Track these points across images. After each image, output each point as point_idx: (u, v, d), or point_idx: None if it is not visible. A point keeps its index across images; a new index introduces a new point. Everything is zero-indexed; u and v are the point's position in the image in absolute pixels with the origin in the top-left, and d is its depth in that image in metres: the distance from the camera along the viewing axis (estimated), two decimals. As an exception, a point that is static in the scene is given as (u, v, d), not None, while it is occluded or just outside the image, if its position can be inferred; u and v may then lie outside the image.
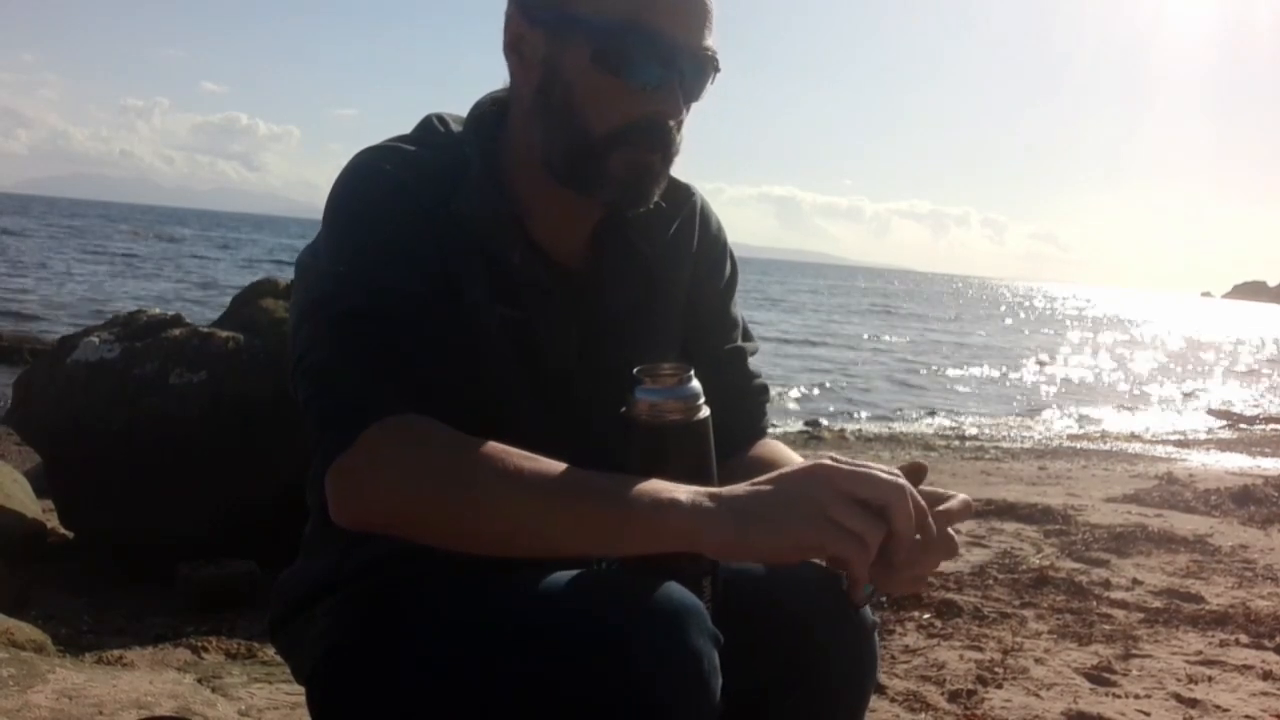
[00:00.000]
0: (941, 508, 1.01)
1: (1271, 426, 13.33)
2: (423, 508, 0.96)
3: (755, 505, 0.91)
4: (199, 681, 2.36)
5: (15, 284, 20.90)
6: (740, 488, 0.94)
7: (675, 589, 0.93)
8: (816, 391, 15.01)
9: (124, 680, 2.19)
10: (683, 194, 1.26)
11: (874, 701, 2.37)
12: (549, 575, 0.98)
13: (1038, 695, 2.58)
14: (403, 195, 1.09)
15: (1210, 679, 2.76)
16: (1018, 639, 2.98)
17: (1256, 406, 16.75)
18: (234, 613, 3.31)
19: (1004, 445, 10.22)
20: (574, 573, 0.99)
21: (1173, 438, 11.66)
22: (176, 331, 3.95)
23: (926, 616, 3.17)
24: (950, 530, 1.01)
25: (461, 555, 0.97)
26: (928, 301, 66.15)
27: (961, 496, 1.03)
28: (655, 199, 1.16)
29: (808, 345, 23.28)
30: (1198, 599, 3.53)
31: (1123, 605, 3.42)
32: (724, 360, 1.30)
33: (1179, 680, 2.74)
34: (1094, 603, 3.43)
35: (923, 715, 2.44)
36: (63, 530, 4.10)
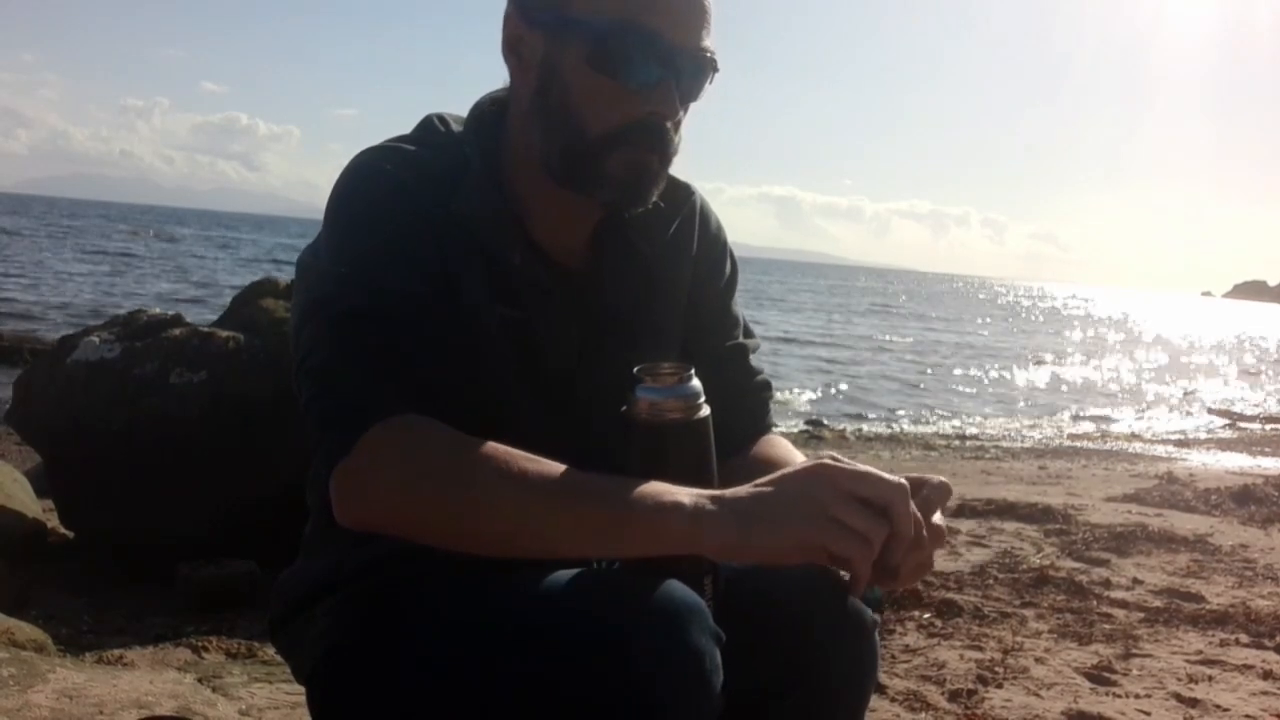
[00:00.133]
0: (922, 493, 1.00)
1: (1272, 426, 13.34)
2: (424, 508, 0.97)
3: (757, 506, 0.91)
4: (199, 681, 2.36)
5: (15, 284, 20.91)
6: (742, 489, 0.94)
7: (676, 588, 0.93)
8: (817, 391, 15.00)
9: (124, 680, 2.19)
10: (682, 193, 1.26)
11: (874, 701, 2.37)
12: (549, 575, 0.98)
13: (1038, 695, 2.58)
14: (403, 196, 1.09)
15: (1210, 678, 2.76)
16: (1018, 638, 2.98)
17: (1257, 406, 16.75)
18: (234, 613, 3.31)
19: (1004, 445, 10.23)
20: (574, 572, 0.99)
21: (1173, 437, 11.66)
22: (176, 331, 3.95)
23: (927, 616, 3.17)
24: (936, 518, 1.00)
25: (462, 555, 0.98)
26: (928, 301, 66.16)
27: (938, 479, 1.02)
28: (654, 199, 1.16)
29: (808, 345, 23.28)
30: (1198, 598, 3.53)
31: (1123, 605, 3.42)
32: (725, 357, 1.30)
33: (1179, 680, 2.74)
34: (1094, 602, 3.43)
35: (923, 715, 2.44)
36: (63, 530, 4.10)
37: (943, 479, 1.02)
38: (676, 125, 1.12)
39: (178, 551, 3.57)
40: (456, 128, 1.18)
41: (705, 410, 1.01)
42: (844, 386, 16.13)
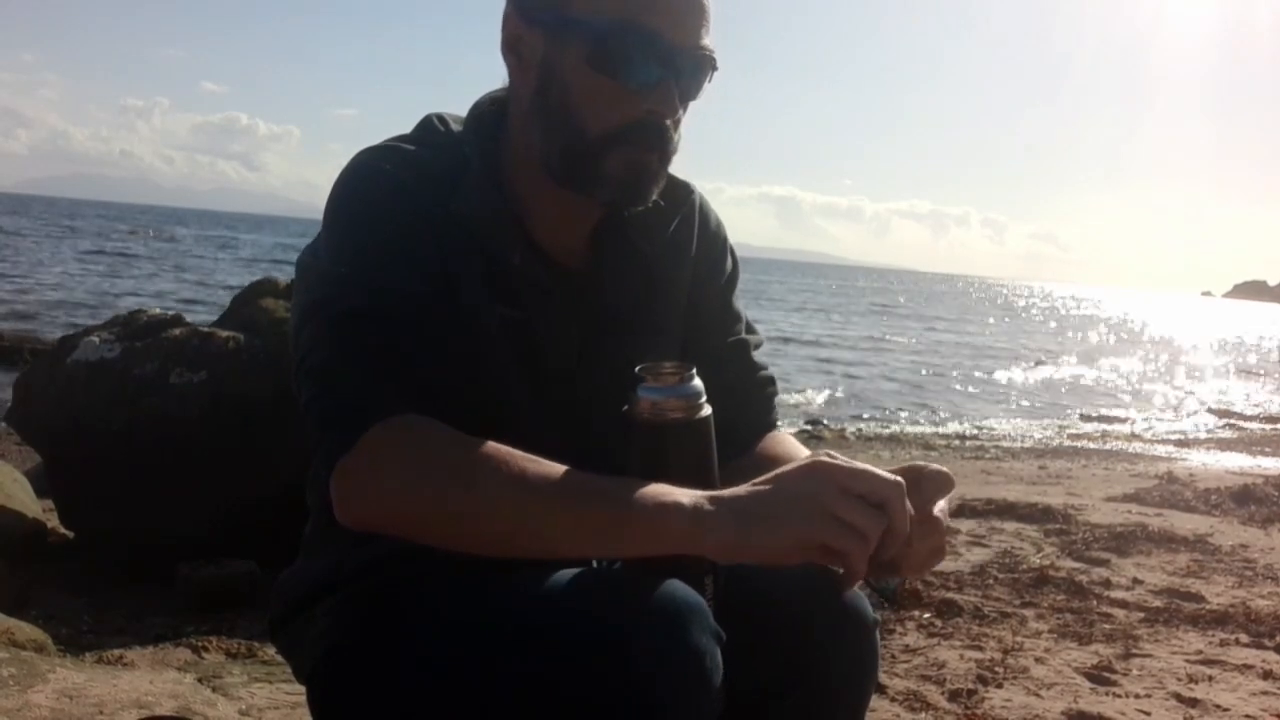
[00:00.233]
0: (920, 482, 1.01)
1: (1272, 426, 13.34)
2: (424, 508, 0.97)
3: (755, 505, 0.91)
4: (199, 681, 2.36)
5: (15, 284, 20.90)
6: (740, 489, 0.94)
7: (677, 587, 0.93)
8: (817, 391, 15.00)
9: (124, 680, 2.19)
10: (682, 192, 1.26)
11: (874, 701, 2.37)
12: (549, 575, 0.98)
13: (1038, 695, 2.58)
14: (402, 196, 1.09)
15: (1210, 678, 2.76)
16: (1018, 638, 2.98)
17: (1257, 406, 16.75)
18: (234, 612, 3.30)
19: (1004, 445, 10.23)
20: (574, 572, 0.99)
21: (1173, 437, 11.67)
22: (176, 331, 3.95)
23: (927, 616, 3.17)
24: (938, 508, 1.01)
25: (462, 555, 0.98)
26: (928, 301, 66.17)
27: (935, 468, 1.02)
28: (653, 198, 1.16)
29: (808, 345, 23.27)
30: (1198, 598, 3.53)
31: (1123, 605, 3.43)
32: (727, 354, 1.29)
33: (1179, 680, 2.74)
34: (1094, 602, 3.43)
35: (923, 715, 2.44)
36: (63, 530, 4.10)
37: (941, 468, 1.02)
38: (676, 124, 1.12)
39: (178, 551, 3.56)
40: (456, 128, 1.18)
41: (707, 410, 1.01)
42: (844, 386, 16.12)
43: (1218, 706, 2.56)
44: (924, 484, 1.01)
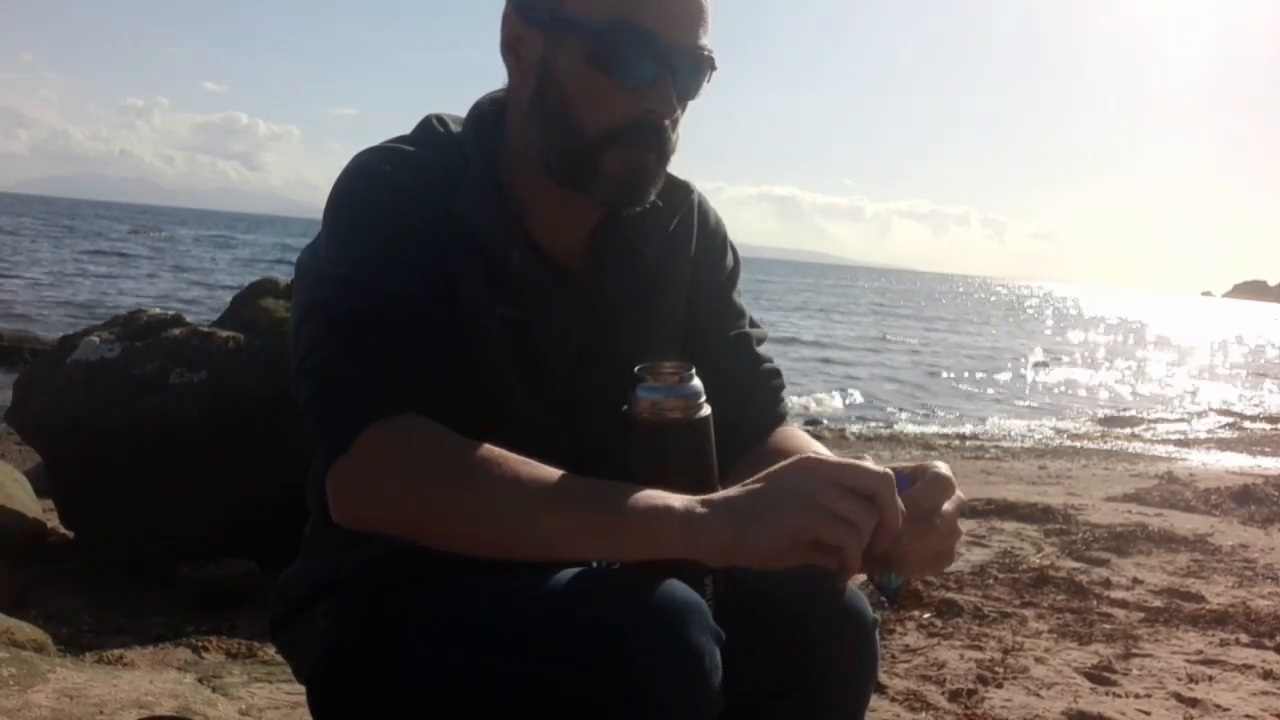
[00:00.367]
0: (920, 483, 0.98)
1: (1272, 426, 13.34)
2: (419, 509, 0.97)
3: (747, 505, 0.91)
4: (199, 681, 2.36)
5: (15, 284, 20.90)
6: (732, 490, 0.93)
7: (677, 587, 0.93)
8: (816, 391, 15.00)
9: (124, 680, 2.19)
10: (681, 191, 1.26)
11: (874, 701, 2.37)
12: (549, 575, 0.98)
13: (1038, 695, 2.58)
14: (402, 197, 1.09)
15: (1210, 678, 2.76)
16: (1018, 638, 2.98)
17: (1257, 406, 16.75)
18: (234, 612, 3.31)
19: (1004, 445, 10.23)
20: (574, 572, 0.99)
21: (1173, 437, 11.66)
22: (176, 331, 3.95)
23: (927, 616, 3.17)
24: (948, 506, 0.98)
25: (461, 555, 0.98)
26: (928, 301, 66.18)
27: (936, 469, 0.99)
28: (652, 198, 1.15)
29: (808, 345, 23.27)
30: (1198, 598, 3.53)
31: (1123, 605, 3.42)
32: (729, 347, 1.29)
33: (1179, 680, 2.74)
34: (1094, 602, 3.43)
35: (923, 714, 2.44)
36: (63, 530, 4.10)
37: (942, 471, 0.98)
38: (674, 123, 1.12)
39: (178, 551, 3.57)
40: (456, 128, 1.18)
41: (706, 410, 1.01)
42: (844, 386, 16.13)
43: (1218, 706, 2.56)
44: (927, 484, 0.99)
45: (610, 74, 1.07)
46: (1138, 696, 2.60)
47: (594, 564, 1.05)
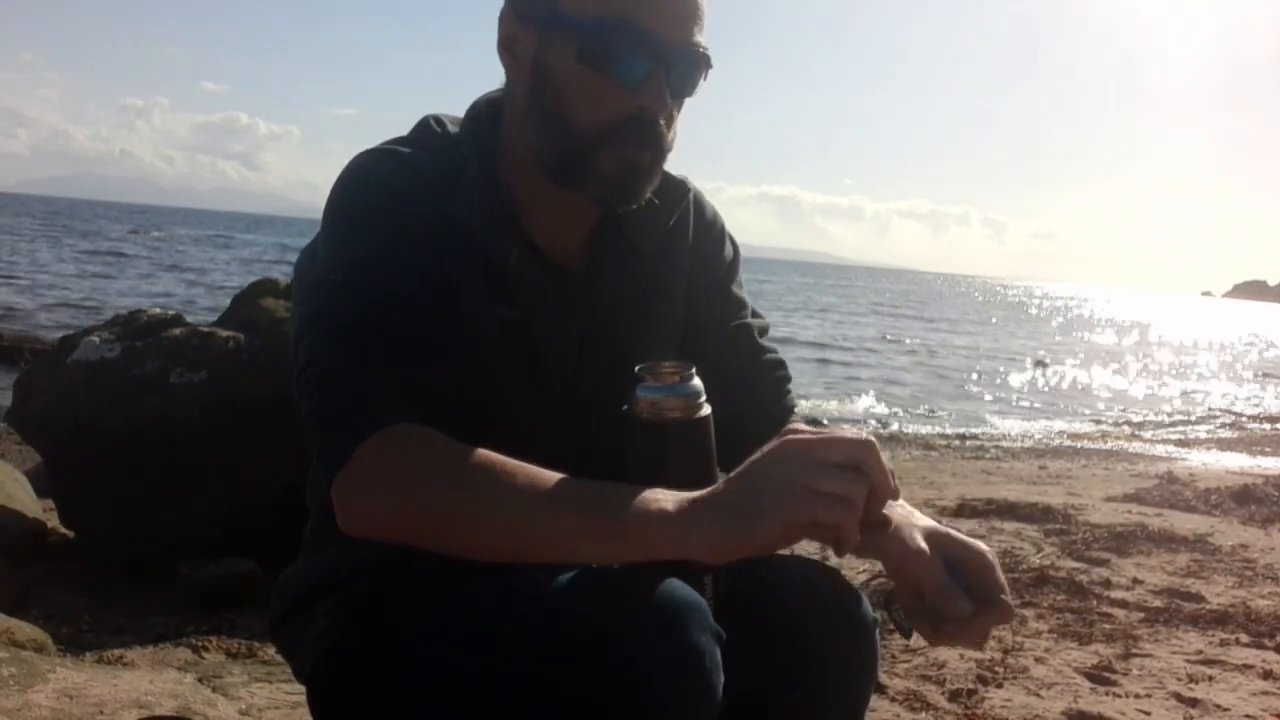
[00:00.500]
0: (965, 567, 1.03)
1: (1272, 426, 13.34)
2: (421, 519, 0.97)
3: (737, 501, 0.91)
4: (199, 681, 2.36)
5: (15, 284, 20.91)
6: (719, 486, 0.93)
7: (676, 586, 0.93)
8: (816, 391, 15.00)
9: (124, 680, 2.19)
10: (678, 189, 1.25)
11: (874, 701, 2.37)
12: (549, 575, 0.98)
13: (1038, 694, 2.58)
14: (399, 199, 1.09)
15: (1210, 678, 2.76)
16: (1018, 638, 2.98)
17: (1257, 406, 16.75)
18: (234, 612, 3.31)
19: (1004, 445, 10.22)
20: (574, 572, 0.98)
21: (1173, 437, 11.66)
22: (177, 331, 3.95)
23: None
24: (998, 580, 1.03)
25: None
26: (928, 301, 66.16)
27: (977, 548, 1.05)
28: (647, 196, 1.15)
29: (808, 345, 23.26)
30: (1198, 598, 3.53)
31: (1123, 604, 3.42)
32: (730, 338, 1.28)
33: (1179, 680, 2.74)
34: (1094, 602, 3.43)
35: (923, 714, 2.44)
36: (63, 530, 4.10)
37: (983, 549, 1.05)
38: (669, 121, 1.12)
39: (178, 551, 3.57)
40: (453, 129, 1.18)
41: (706, 409, 1.01)
42: (843, 386, 16.12)
43: (1218, 706, 2.56)
44: (977, 577, 1.03)
45: (603, 71, 1.07)
46: (1138, 696, 2.60)
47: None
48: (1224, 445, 10.72)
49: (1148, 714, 2.50)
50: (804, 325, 30.14)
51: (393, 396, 1.00)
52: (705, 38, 1.10)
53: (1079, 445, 10.30)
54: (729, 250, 1.32)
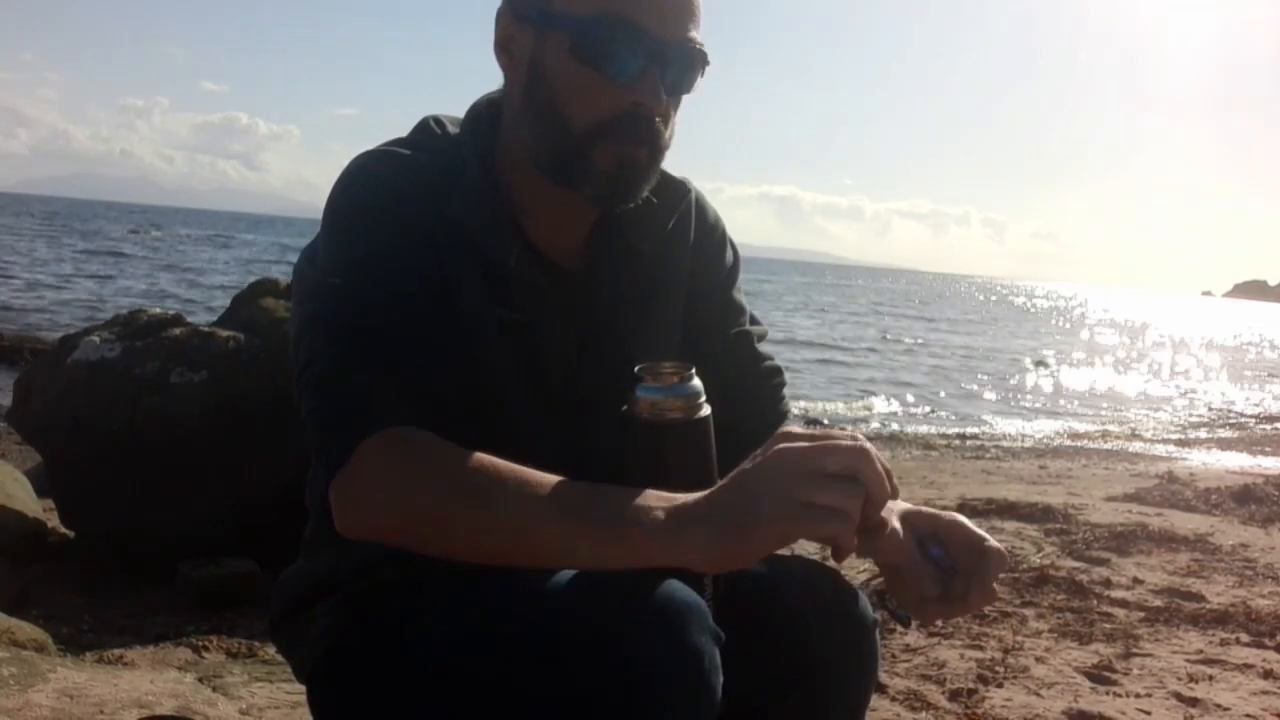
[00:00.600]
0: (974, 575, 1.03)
1: (1272, 426, 13.34)
2: (419, 522, 0.96)
3: (730, 513, 0.89)
4: (200, 681, 2.36)
5: (15, 284, 20.91)
6: (713, 493, 0.92)
7: (676, 586, 0.93)
8: (816, 391, 15.00)
9: (125, 679, 2.19)
10: (678, 190, 1.25)
11: (874, 700, 2.37)
12: (549, 575, 0.98)
13: (1038, 694, 2.58)
14: (398, 201, 1.09)
15: (1211, 678, 2.76)
16: (1018, 638, 2.98)
17: (1257, 406, 16.75)
18: (234, 612, 3.31)
19: (1004, 444, 10.23)
20: (574, 572, 0.98)
21: (1173, 437, 11.67)
22: (177, 331, 3.95)
23: (927, 616, 3.17)
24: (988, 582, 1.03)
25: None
26: (928, 301, 66.16)
27: (994, 547, 1.04)
28: (644, 194, 1.15)
29: (808, 346, 23.26)
30: (1198, 598, 3.53)
31: (1123, 604, 3.42)
32: (730, 346, 1.28)
33: (1180, 679, 2.74)
34: (1094, 602, 3.43)
35: (923, 714, 2.44)
36: (63, 530, 4.10)
37: (954, 516, 1.05)
38: (665, 119, 1.12)
39: (178, 551, 3.57)
40: (453, 130, 1.18)
41: (706, 410, 1.00)
42: (843, 386, 16.13)
43: (1218, 706, 2.56)
44: (986, 565, 1.02)
45: (597, 67, 1.07)
46: (1138, 696, 2.60)
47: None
48: (1224, 445, 10.72)
49: (1148, 714, 2.50)
50: (804, 325, 30.14)
51: (392, 398, 1.00)
52: (701, 35, 1.10)
53: (1079, 445, 10.30)
54: (730, 255, 1.32)
